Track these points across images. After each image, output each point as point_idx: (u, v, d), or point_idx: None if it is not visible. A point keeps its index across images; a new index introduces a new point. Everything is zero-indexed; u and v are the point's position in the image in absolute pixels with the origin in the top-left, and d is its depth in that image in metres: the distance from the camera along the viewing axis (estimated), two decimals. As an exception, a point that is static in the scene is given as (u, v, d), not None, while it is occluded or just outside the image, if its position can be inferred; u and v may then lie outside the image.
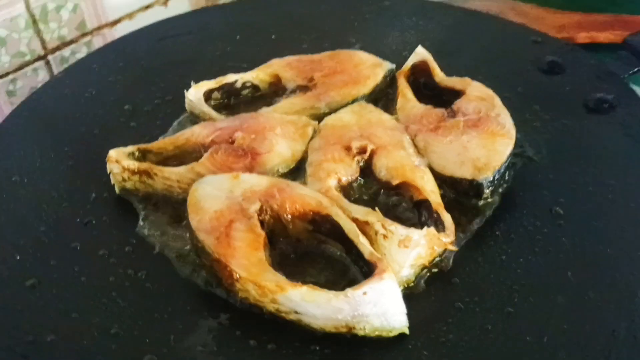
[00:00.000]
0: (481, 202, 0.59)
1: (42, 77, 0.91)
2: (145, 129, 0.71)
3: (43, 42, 0.89)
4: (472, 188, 0.58)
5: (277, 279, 0.49)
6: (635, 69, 0.70)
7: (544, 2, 0.95)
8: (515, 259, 0.53)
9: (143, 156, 0.64)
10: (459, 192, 0.59)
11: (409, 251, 0.50)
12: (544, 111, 0.68)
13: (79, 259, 0.55)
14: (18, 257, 0.55)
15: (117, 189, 0.62)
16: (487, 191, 0.58)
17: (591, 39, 0.88)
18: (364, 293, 0.47)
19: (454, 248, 0.52)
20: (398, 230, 0.51)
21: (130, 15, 0.97)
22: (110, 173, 0.62)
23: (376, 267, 0.49)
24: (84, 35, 0.93)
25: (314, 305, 0.47)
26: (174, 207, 0.61)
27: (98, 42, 0.95)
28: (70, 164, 0.66)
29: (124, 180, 0.62)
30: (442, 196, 0.58)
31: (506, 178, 0.60)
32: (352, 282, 0.51)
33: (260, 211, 0.54)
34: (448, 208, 0.56)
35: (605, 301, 0.49)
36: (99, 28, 0.94)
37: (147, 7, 0.99)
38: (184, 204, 0.59)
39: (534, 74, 0.74)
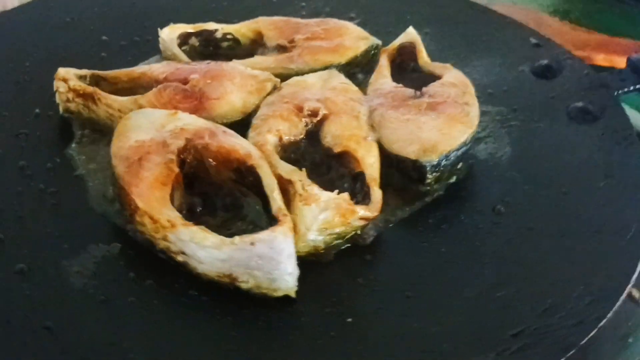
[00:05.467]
0: (423, 189, 0.54)
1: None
2: (112, 62, 0.69)
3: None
4: (415, 170, 0.54)
5: (170, 215, 0.46)
6: (631, 87, 0.64)
7: (564, 14, 0.91)
8: (436, 248, 0.49)
9: (96, 83, 0.62)
10: (403, 174, 0.55)
11: (314, 211, 0.47)
12: (522, 112, 0.63)
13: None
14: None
15: (60, 109, 0.61)
16: (429, 176, 0.54)
17: (610, 63, 0.84)
18: (252, 243, 0.43)
19: (361, 222, 0.48)
20: (314, 190, 0.48)
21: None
22: (56, 91, 0.60)
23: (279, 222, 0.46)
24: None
25: (199, 247, 0.44)
26: (111, 137, 0.59)
27: None
28: (26, 79, 0.65)
29: (68, 100, 0.60)
30: (388, 175, 0.54)
31: (459, 168, 0.56)
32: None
33: (184, 150, 0.52)
34: (390, 188, 0.53)
35: (512, 302, 0.44)
36: None
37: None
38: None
39: (525, 75, 0.69)
